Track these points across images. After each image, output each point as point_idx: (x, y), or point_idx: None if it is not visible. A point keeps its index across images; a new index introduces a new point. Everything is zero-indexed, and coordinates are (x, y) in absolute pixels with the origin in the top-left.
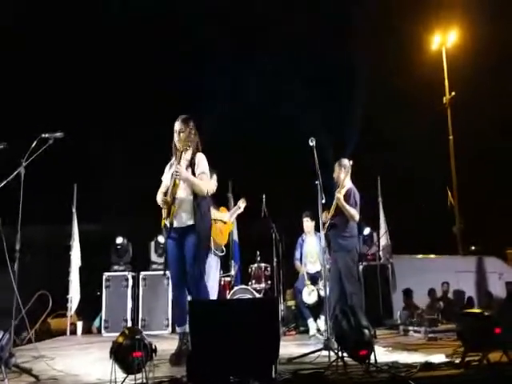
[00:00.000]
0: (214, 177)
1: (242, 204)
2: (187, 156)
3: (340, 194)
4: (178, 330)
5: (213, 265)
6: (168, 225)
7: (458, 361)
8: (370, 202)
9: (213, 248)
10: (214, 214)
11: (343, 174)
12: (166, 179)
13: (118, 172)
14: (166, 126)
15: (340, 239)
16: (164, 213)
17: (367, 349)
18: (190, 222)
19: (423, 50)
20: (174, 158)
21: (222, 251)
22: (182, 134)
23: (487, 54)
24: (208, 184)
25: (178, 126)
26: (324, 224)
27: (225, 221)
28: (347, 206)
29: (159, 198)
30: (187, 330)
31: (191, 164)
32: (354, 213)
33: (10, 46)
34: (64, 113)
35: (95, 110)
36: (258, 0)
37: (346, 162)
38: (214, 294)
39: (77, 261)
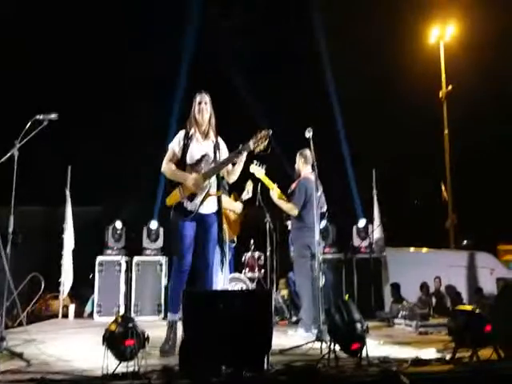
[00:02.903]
0: None
1: (249, 187)
2: (211, 136)
3: (273, 191)
4: (172, 317)
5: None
6: (189, 207)
7: (448, 356)
8: (365, 194)
9: (226, 239)
10: (228, 202)
11: (302, 164)
12: (183, 150)
13: (112, 155)
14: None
15: (293, 230)
16: (184, 191)
17: (359, 342)
18: (215, 209)
19: (421, 44)
20: (193, 130)
21: (234, 242)
22: (209, 106)
23: (486, 47)
24: None
25: (204, 97)
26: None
27: (237, 212)
28: (280, 203)
29: (167, 167)
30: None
31: (216, 146)
32: (289, 207)
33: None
34: (58, 94)
35: (90, 90)
36: None
37: (307, 153)
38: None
39: (70, 243)
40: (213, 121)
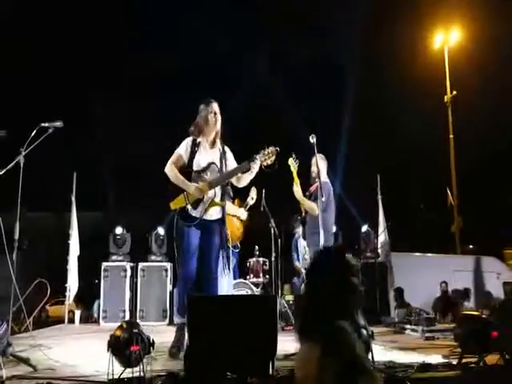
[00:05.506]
0: None
1: (253, 194)
2: (218, 144)
3: (297, 187)
4: (179, 320)
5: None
6: (194, 213)
7: (454, 362)
8: (370, 199)
9: (230, 245)
10: (232, 208)
11: (319, 168)
12: (190, 156)
13: (119, 162)
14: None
15: (310, 235)
16: (189, 197)
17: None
18: (219, 216)
19: (425, 49)
20: (201, 138)
21: (237, 247)
22: (220, 117)
23: (490, 53)
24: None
25: (217, 108)
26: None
27: (242, 219)
28: (303, 200)
29: (171, 169)
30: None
31: (222, 154)
32: (312, 206)
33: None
34: (64, 100)
35: (96, 96)
36: None
37: (323, 157)
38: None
39: (75, 249)
40: (220, 129)
